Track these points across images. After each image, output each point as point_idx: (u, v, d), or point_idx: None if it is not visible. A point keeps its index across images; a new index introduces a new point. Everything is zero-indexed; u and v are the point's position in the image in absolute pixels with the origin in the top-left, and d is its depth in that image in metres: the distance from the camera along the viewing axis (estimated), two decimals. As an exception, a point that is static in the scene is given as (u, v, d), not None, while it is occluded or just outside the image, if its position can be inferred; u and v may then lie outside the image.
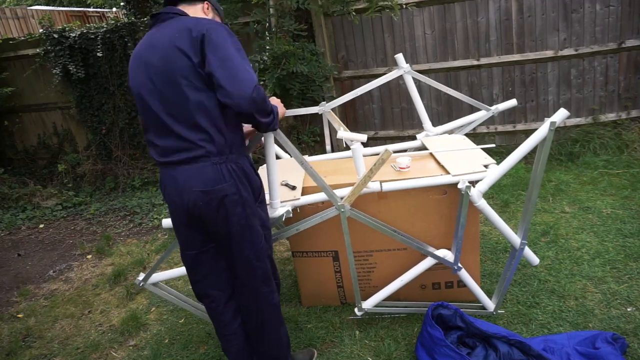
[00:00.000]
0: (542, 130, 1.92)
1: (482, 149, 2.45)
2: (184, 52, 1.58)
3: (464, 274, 2.28)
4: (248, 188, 1.75)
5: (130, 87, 1.75)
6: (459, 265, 2.23)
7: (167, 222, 2.14)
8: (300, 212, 2.32)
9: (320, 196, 2.15)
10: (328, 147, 2.96)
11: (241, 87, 1.54)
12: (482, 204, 2.07)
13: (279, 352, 1.99)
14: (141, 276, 2.27)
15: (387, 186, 2.14)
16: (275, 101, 1.89)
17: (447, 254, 2.23)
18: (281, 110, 1.88)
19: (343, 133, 2.51)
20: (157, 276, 2.30)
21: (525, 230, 2.12)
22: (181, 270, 2.33)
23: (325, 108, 2.73)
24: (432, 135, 2.81)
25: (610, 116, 4.48)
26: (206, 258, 1.84)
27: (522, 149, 1.99)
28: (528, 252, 2.24)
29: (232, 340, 1.95)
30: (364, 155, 2.69)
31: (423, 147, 2.65)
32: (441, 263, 2.25)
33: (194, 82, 1.60)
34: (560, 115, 1.91)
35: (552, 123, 1.88)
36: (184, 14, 1.74)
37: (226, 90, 1.54)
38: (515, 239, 2.15)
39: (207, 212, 1.70)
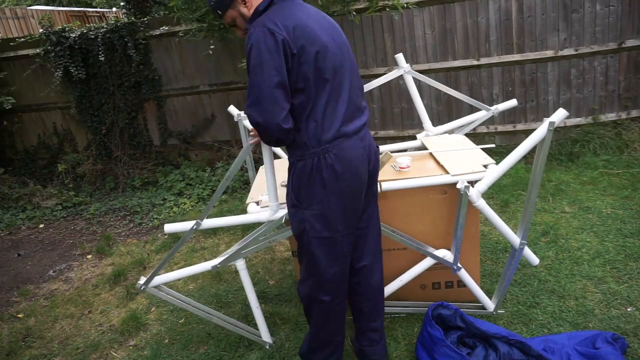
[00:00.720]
0: (541, 131, 1.92)
1: (482, 149, 2.45)
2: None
3: (464, 274, 2.28)
4: None
5: (315, 51, 1.59)
6: (459, 265, 2.23)
7: (169, 228, 2.14)
8: None
9: None
10: None
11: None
12: (481, 204, 2.07)
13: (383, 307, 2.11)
14: (142, 280, 2.25)
15: (386, 186, 2.14)
16: None
17: (446, 254, 2.23)
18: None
19: None
20: (159, 279, 2.29)
21: (524, 230, 2.12)
22: (183, 273, 2.33)
23: None
24: (432, 135, 2.81)
25: (611, 116, 4.48)
26: (360, 234, 1.91)
27: (521, 149, 1.99)
28: (528, 252, 2.24)
29: (380, 304, 2.07)
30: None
31: (423, 147, 2.65)
32: (441, 263, 2.25)
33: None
34: (559, 115, 1.91)
35: (551, 123, 1.88)
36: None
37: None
38: (515, 239, 2.15)
39: (375, 173, 1.87)
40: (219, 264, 2.22)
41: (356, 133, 1.72)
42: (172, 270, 3.39)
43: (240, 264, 2.24)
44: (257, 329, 2.35)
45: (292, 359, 2.24)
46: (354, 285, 1.98)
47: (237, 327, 2.38)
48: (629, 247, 2.78)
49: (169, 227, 2.16)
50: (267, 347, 2.33)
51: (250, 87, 1.59)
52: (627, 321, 2.18)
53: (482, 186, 2.05)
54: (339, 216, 1.73)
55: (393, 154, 2.58)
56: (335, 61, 1.65)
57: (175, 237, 3.94)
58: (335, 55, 1.66)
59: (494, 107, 2.81)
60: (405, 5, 4.38)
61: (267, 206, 2.11)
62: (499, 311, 2.33)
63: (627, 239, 2.87)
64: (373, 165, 1.81)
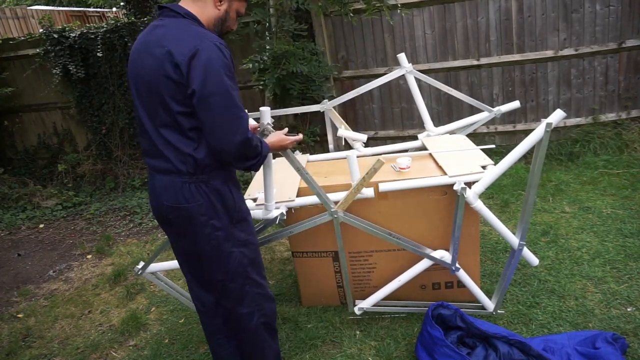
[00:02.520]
0: (538, 132, 1.92)
1: (482, 149, 2.45)
2: (170, 73, 1.49)
3: (463, 275, 2.28)
4: (221, 209, 1.66)
5: (129, 78, 1.68)
6: (457, 266, 2.23)
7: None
8: (296, 214, 2.32)
9: (315, 199, 2.16)
10: (331, 146, 2.96)
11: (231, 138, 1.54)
12: (479, 205, 2.07)
13: None
14: (140, 264, 2.27)
15: (384, 186, 2.14)
16: (276, 136, 1.82)
17: (444, 255, 2.23)
18: (280, 144, 1.82)
19: (344, 132, 2.51)
20: (156, 266, 2.29)
21: (523, 231, 2.12)
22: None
23: (327, 106, 2.73)
24: (433, 136, 2.81)
25: (611, 116, 4.48)
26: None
27: (518, 150, 1.99)
28: (527, 252, 2.24)
29: (222, 345, 1.91)
30: (364, 156, 2.70)
31: (424, 147, 2.65)
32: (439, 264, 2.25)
33: (175, 100, 1.52)
34: (557, 116, 1.91)
35: (548, 124, 1.88)
36: (187, 16, 1.58)
37: (214, 137, 1.53)
38: (514, 239, 2.15)
39: (176, 226, 1.70)
40: None
41: (151, 169, 1.70)
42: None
43: None
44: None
45: (292, 359, 2.24)
46: None
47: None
48: (629, 247, 2.78)
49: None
50: None
51: (228, 106, 1.58)
52: (627, 321, 2.18)
53: (479, 187, 2.05)
54: None
55: (395, 154, 2.58)
56: (136, 97, 1.67)
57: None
58: (133, 92, 1.67)
59: (496, 109, 2.81)
60: (398, 8, 4.38)
61: (262, 204, 2.12)
62: (498, 311, 2.33)
63: (627, 239, 2.87)
64: (162, 214, 1.70)
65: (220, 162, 1.62)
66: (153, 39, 1.56)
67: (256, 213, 2.13)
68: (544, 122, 1.88)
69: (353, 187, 2.06)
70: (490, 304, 2.33)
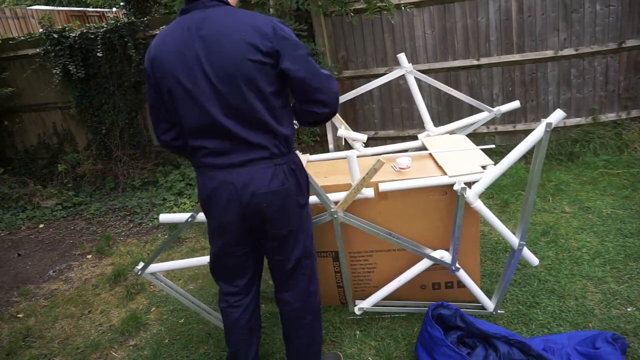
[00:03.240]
0: (538, 132, 1.92)
1: (482, 149, 2.45)
2: (256, 50, 1.50)
3: (463, 275, 2.28)
4: (303, 186, 1.76)
5: (160, 78, 1.60)
6: (457, 266, 2.23)
7: (165, 217, 2.17)
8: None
9: (314, 198, 2.16)
10: (331, 146, 2.96)
11: (330, 85, 1.60)
12: (479, 205, 2.08)
13: (314, 352, 1.98)
14: (140, 265, 2.27)
15: (384, 186, 2.14)
16: None
17: (444, 255, 2.23)
18: None
19: (344, 132, 2.51)
20: (156, 266, 2.29)
21: (523, 231, 2.12)
22: (179, 264, 2.37)
23: None
24: (433, 136, 2.81)
25: (611, 116, 4.48)
26: (243, 259, 1.84)
27: (518, 151, 1.99)
28: (527, 253, 2.24)
29: (246, 342, 1.94)
30: (364, 156, 2.70)
31: (424, 147, 2.65)
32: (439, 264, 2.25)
33: (263, 84, 1.54)
34: (556, 116, 1.91)
35: (548, 124, 1.88)
36: (227, 3, 1.62)
37: (315, 88, 1.57)
38: (514, 239, 2.15)
39: (268, 213, 1.67)
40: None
41: (222, 168, 1.64)
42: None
43: None
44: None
45: (292, 359, 2.24)
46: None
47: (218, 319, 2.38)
48: (629, 247, 2.78)
49: (164, 217, 2.17)
50: None
51: (316, 63, 1.62)
52: (627, 321, 2.18)
53: (479, 187, 2.05)
54: (213, 234, 1.81)
55: (395, 154, 2.58)
56: (188, 93, 1.61)
57: (176, 237, 3.94)
58: (185, 87, 1.60)
59: (496, 109, 2.81)
60: (402, 7, 4.38)
61: None
62: (499, 311, 2.33)
63: (627, 239, 2.87)
64: (249, 207, 1.65)
65: (293, 138, 1.71)
66: (216, 27, 1.53)
67: None
68: (544, 122, 1.88)
69: (353, 187, 2.06)
70: (490, 304, 2.33)
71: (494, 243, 3.06)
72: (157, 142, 1.74)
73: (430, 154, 2.47)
